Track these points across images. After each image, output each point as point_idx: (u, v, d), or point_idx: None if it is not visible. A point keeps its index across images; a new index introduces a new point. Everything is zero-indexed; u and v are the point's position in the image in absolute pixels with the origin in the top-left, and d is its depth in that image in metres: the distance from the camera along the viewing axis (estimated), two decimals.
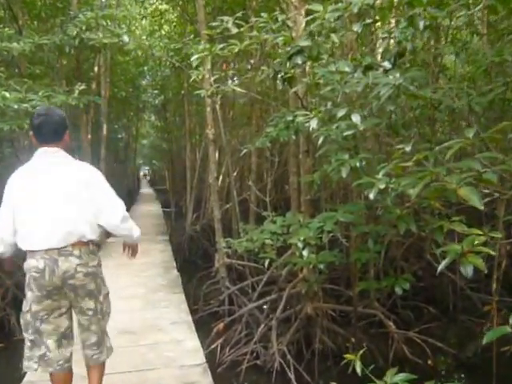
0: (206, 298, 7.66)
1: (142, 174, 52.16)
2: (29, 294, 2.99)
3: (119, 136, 21.32)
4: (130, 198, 24.19)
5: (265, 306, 6.22)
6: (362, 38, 6.13)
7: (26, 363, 3.09)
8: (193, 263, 11.43)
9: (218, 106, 7.71)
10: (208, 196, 13.38)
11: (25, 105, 5.61)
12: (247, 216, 9.99)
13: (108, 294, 3.27)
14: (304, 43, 4.15)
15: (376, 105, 3.42)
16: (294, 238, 4.20)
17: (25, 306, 3.04)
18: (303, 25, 5.26)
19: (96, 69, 9.89)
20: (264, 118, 11.88)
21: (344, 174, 3.29)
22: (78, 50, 7.98)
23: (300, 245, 4.03)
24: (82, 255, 2.98)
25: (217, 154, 14.42)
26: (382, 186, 2.98)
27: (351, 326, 5.92)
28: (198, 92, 5.61)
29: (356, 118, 3.45)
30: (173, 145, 21.84)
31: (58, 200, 2.93)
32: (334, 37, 4.61)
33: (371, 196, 3.00)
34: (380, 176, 3.07)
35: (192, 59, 4.38)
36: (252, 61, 7.42)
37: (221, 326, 6.09)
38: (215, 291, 7.61)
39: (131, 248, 3.48)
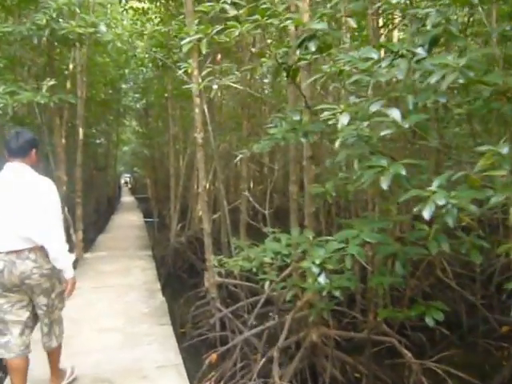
0: (194, 320, 6.86)
1: (123, 181, 51.10)
2: None
3: (98, 141, 20.39)
4: (110, 206, 23.27)
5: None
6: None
7: None
8: (178, 278, 10.60)
9: (206, 109, 6.90)
10: (194, 206, 12.59)
11: None
12: (236, 227, 9.20)
13: (62, 291, 3.67)
14: (319, 26, 3.42)
15: (423, 97, 2.70)
16: (306, 260, 3.46)
17: None
18: (307, 11, 4.53)
19: (71, 66, 9.02)
20: (252, 123, 11.18)
21: (385, 185, 2.52)
22: (49, 42, 7.15)
23: (315, 270, 3.29)
24: (38, 259, 3.39)
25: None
26: (442, 202, 2.26)
27: (360, 354, 5.20)
28: (187, 87, 4.83)
29: (396, 114, 2.71)
30: (155, 151, 21.02)
31: (16, 210, 3.33)
32: (351, 21, 3.92)
33: (426, 214, 2.28)
34: (435, 188, 2.36)
35: (183, 43, 3.60)
36: (253, 49, 6.68)
37: (213, 356, 5.27)
38: (205, 313, 6.81)
39: (69, 284, 3.67)
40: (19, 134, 3.52)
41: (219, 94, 12.22)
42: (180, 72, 4.67)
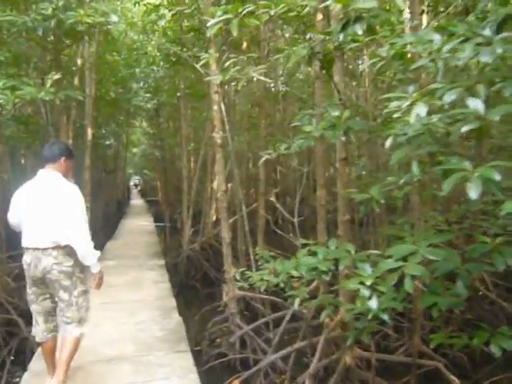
0: (211, 336, 6.31)
1: (132, 184, 50.74)
2: (27, 281, 3.86)
3: (107, 142, 19.90)
4: (119, 210, 22.77)
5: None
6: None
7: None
8: (191, 288, 10.05)
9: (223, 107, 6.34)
10: (207, 210, 12.04)
11: None
12: (253, 234, 8.62)
13: (86, 291, 3.97)
14: (369, 4, 2.88)
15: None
16: (351, 280, 2.93)
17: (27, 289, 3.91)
18: None
19: (79, 62, 8.50)
20: (268, 123, 10.63)
21: (475, 194, 1.95)
22: (55, 36, 6.62)
23: (366, 293, 2.75)
24: (58, 256, 3.72)
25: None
26: None
27: (395, 377, 4.65)
28: (209, 78, 4.29)
29: (478, 105, 2.15)
30: (166, 153, 20.51)
31: (44, 212, 3.72)
32: (399, 1, 3.39)
33: None
34: None
35: (209, 25, 3.04)
36: (287, 34, 6.12)
37: (235, 383, 4.69)
38: (223, 329, 6.24)
39: (96, 279, 3.99)
40: (53, 143, 4.09)
41: (232, 93, 11.66)
42: (200, 63, 4.13)
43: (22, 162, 11.53)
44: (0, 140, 7.05)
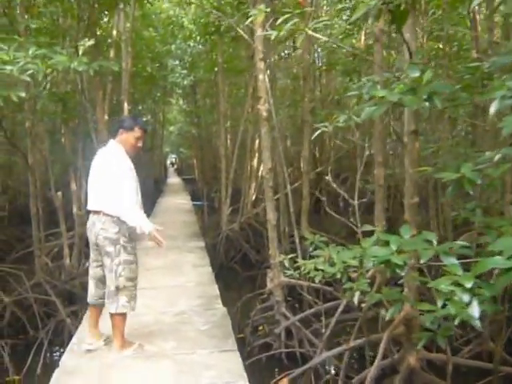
0: (254, 325, 5.93)
1: (168, 162, 50.80)
2: None
3: (144, 119, 19.65)
4: (156, 188, 22.58)
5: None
6: None
7: None
8: (231, 270, 9.69)
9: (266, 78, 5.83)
10: (247, 189, 11.63)
11: (8, 67, 3.89)
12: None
13: (131, 262, 3.94)
14: None
15: None
16: (443, 280, 2.43)
17: None
18: None
19: (114, 33, 8.11)
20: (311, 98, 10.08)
21: None
22: (89, 5, 6.21)
23: (465, 298, 2.25)
24: (105, 222, 3.84)
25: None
26: None
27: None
28: (260, 34, 3.84)
29: None
30: (202, 131, 20.16)
31: (96, 180, 3.99)
32: None
33: None
34: None
35: None
36: None
37: (283, 382, 4.28)
38: (267, 318, 5.84)
39: (153, 240, 3.95)
40: (119, 118, 4.56)
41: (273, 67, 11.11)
42: (248, 21, 3.69)
43: (62, 140, 11.26)
44: (36, 116, 6.74)
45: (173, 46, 15.87)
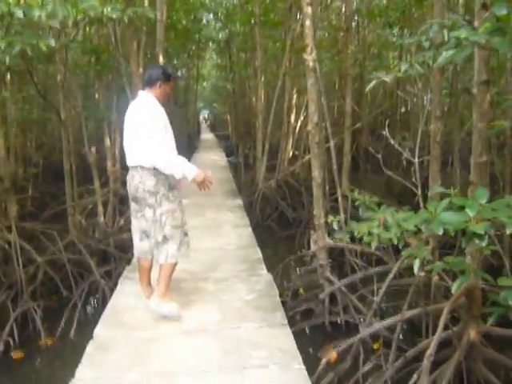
0: (295, 289, 5.69)
1: (202, 118, 50.55)
2: None
3: (178, 74, 19.22)
4: (190, 144, 22.35)
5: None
6: None
7: None
8: (267, 229, 9.43)
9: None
10: (284, 145, 11.27)
11: (36, 12, 3.59)
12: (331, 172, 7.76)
13: (174, 210, 3.93)
14: None
15: None
16: None
17: None
18: None
19: None
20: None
21: None
22: None
23: None
24: (143, 175, 3.84)
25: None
26: None
27: None
28: None
29: None
30: (236, 86, 19.70)
31: (131, 133, 3.91)
32: None
33: None
34: None
35: None
36: None
37: (333, 355, 4.02)
38: (310, 282, 5.59)
39: (197, 184, 3.89)
40: (152, 67, 4.23)
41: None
42: None
43: (96, 96, 11.03)
44: (67, 68, 6.47)
45: None
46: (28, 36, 3.85)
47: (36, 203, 10.12)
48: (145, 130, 3.74)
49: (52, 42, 3.83)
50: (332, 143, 6.12)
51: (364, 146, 15.43)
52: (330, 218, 4.03)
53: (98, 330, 3.78)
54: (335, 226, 3.96)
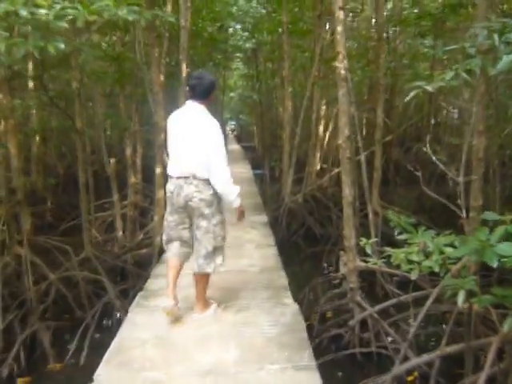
0: (325, 316, 5.28)
1: (228, 128, 50.58)
2: (167, 208, 4.09)
3: None
4: None
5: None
6: None
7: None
8: (294, 245, 9.02)
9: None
10: (311, 158, 10.87)
11: (42, 11, 3.28)
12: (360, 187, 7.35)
13: (223, 221, 4.04)
14: None
15: None
16: None
17: (165, 216, 4.14)
18: None
19: None
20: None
21: None
22: None
23: None
24: (199, 185, 3.83)
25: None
26: None
27: None
28: None
29: None
30: (263, 97, 19.40)
31: (187, 143, 3.85)
32: None
33: None
34: None
35: None
36: None
37: None
38: (339, 306, 5.16)
39: (237, 212, 4.10)
40: (202, 77, 3.94)
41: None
42: None
43: (121, 105, 10.78)
44: (83, 74, 6.20)
45: (234, 8, 15.21)
46: (36, 38, 3.56)
47: (56, 214, 9.90)
48: (212, 143, 3.77)
49: (61, 45, 3.51)
50: (363, 157, 5.70)
51: (394, 159, 14.97)
52: (363, 240, 3.61)
53: (101, 372, 3.32)
54: (369, 251, 3.55)
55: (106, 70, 7.70)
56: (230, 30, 17.22)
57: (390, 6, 13.59)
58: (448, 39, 11.81)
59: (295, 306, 4.30)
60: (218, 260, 4.06)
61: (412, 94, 3.26)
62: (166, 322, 4.00)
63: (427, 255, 3.09)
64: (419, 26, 11.14)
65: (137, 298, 4.68)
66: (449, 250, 3.30)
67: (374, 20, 13.28)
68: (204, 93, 3.92)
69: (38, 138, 10.72)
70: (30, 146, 10.69)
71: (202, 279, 4.09)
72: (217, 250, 4.02)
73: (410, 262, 3.16)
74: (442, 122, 15.95)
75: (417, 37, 12.20)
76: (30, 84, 8.76)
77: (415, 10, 12.24)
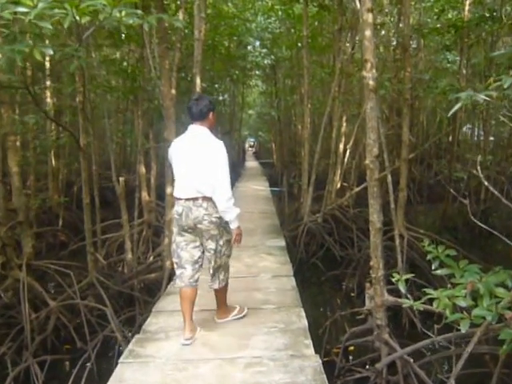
0: (346, 351, 4.77)
1: (247, 145, 50.68)
2: (174, 230, 4.10)
3: (220, 98, 18.54)
4: (234, 172, 21.79)
5: None
6: None
7: (176, 281, 4.22)
8: (312, 267, 8.50)
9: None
10: (332, 176, 10.40)
11: (22, 9, 2.88)
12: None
13: (230, 240, 4.07)
14: None
15: None
16: None
17: (172, 238, 4.14)
18: None
19: None
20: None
21: None
22: None
23: None
24: (208, 207, 3.85)
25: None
26: None
27: None
28: None
29: None
30: (281, 113, 19.08)
31: (193, 166, 3.86)
32: None
33: None
34: None
35: None
36: None
37: None
38: (364, 343, 4.64)
39: (236, 234, 4.02)
40: (199, 99, 4.03)
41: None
42: None
43: (140, 123, 10.44)
44: (87, 88, 5.83)
45: (253, 25, 14.97)
46: (22, 43, 3.18)
47: (68, 233, 9.62)
48: (219, 165, 3.79)
49: (50, 51, 3.11)
50: (390, 177, 5.20)
51: (415, 176, 14.45)
52: (395, 277, 3.13)
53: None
54: (402, 289, 3.06)
55: (114, 84, 7.33)
56: (249, 47, 17.05)
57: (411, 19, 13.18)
58: (472, 54, 11.38)
59: (317, 360, 3.50)
60: (221, 276, 4.16)
61: (458, 105, 2.80)
62: (161, 382, 3.30)
63: (475, 297, 2.61)
64: (443, 39, 10.72)
65: (131, 342, 4.03)
66: (500, 291, 2.82)
67: (393, 32, 12.94)
68: (201, 114, 3.95)
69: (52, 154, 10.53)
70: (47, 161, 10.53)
71: (218, 291, 4.22)
72: (221, 267, 4.12)
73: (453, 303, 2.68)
74: (462, 139, 15.51)
75: (441, 50, 11.77)
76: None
77: (438, 25, 11.84)
